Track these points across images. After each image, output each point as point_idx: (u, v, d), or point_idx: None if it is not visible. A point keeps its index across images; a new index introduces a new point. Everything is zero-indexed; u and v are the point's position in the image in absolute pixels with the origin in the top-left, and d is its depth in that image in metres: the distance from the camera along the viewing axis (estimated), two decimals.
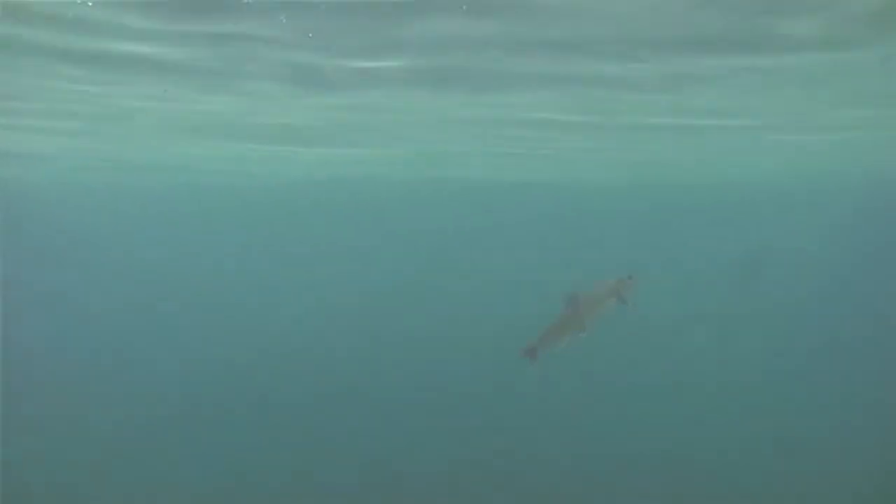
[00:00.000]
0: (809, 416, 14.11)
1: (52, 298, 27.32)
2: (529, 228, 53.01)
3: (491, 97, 18.02)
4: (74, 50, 12.73)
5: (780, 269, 33.19)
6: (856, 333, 19.81)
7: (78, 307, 25.65)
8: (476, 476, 12.28)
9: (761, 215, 58.95)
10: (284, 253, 43.64)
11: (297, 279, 32.87)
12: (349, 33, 11.73)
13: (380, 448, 13.35)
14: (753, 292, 26.79)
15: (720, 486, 11.78)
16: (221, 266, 38.49)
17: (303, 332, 21.95)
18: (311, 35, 11.64)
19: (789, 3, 10.23)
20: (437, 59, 13.67)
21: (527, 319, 8.75)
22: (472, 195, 57.64)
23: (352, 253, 42.09)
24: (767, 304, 25.00)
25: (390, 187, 50.64)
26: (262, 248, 46.15)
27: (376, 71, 14.60)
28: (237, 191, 53.60)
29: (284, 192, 55.55)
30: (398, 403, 15.50)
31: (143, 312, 25.35)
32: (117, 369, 18.32)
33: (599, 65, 14.37)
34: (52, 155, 28.30)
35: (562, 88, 16.86)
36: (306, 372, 17.74)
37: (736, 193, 53.53)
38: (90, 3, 9.99)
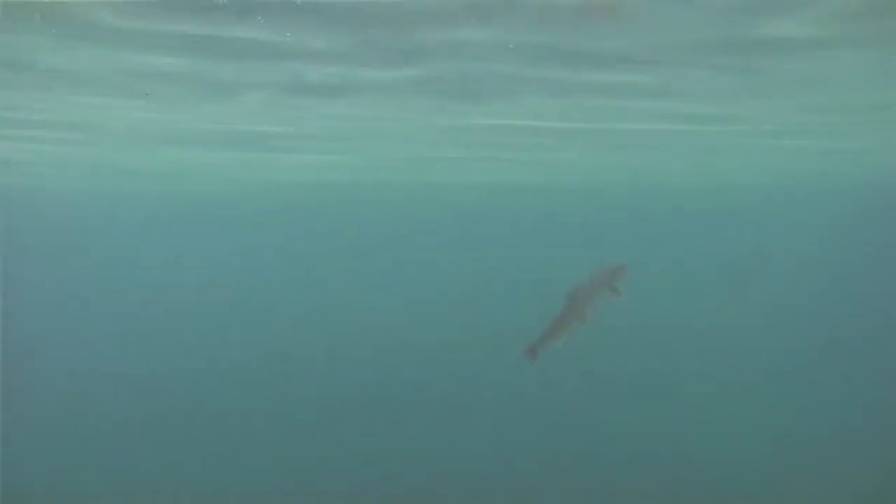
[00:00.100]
0: (809, 416, 14.11)
1: (51, 300, 27.38)
2: (529, 232, 53.03)
3: (485, 106, 18.18)
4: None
5: (778, 270, 33.19)
6: (856, 333, 19.82)
7: (75, 310, 25.71)
8: (477, 479, 12.28)
9: (760, 217, 59.02)
10: (280, 256, 43.73)
11: (292, 283, 32.86)
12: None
13: (378, 450, 13.36)
14: (753, 293, 26.80)
15: (720, 486, 11.76)
16: (218, 269, 38.58)
17: (298, 334, 21.96)
18: (288, 35, 11.57)
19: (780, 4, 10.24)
20: (439, 67, 13.71)
21: (525, 322, 8.76)
22: (467, 200, 57.94)
23: (347, 257, 42.07)
24: (767, 304, 25.00)
25: (383, 192, 50.87)
26: (258, 252, 46.34)
27: (375, 78, 14.64)
28: (228, 196, 53.84)
29: (274, 196, 55.85)
30: (396, 406, 15.49)
31: (138, 314, 25.43)
32: (114, 371, 18.34)
33: (602, 73, 14.46)
34: (43, 162, 28.45)
35: (564, 96, 17.00)
36: (302, 375, 17.74)
37: (734, 197, 53.66)
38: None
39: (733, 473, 12.11)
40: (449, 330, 21.88)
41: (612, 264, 8.31)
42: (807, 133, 22.31)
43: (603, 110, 18.97)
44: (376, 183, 44.39)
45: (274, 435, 13.98)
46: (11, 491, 11.15)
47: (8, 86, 15.36)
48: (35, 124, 20.42)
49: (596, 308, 7.97)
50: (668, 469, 12.23)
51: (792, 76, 14.71)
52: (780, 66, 13.89)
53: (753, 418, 14.23)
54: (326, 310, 25.69)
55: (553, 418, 14.69)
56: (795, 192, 48.98)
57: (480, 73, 14.74)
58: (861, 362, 17.56)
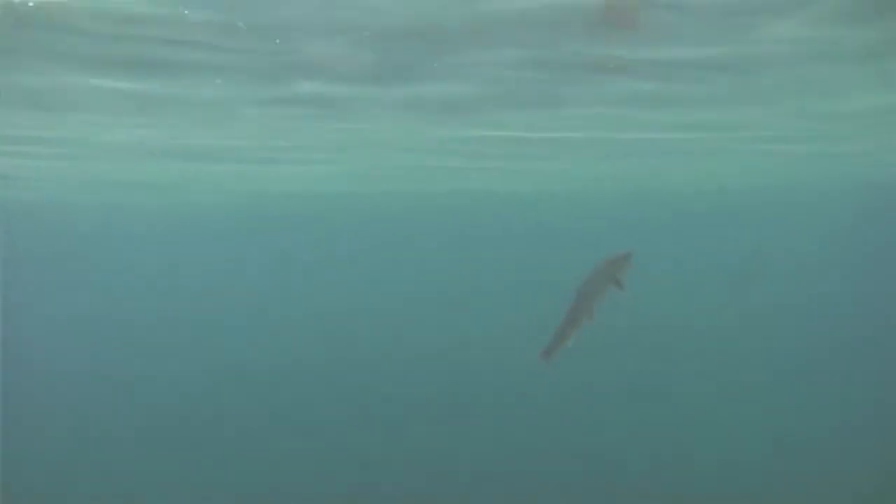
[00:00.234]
0: (809, 417, 14.12)
1: (49, 308, 27.58)
2: (533, 238, 53.18)
3: (484, 118, 18.26)
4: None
5: (777, 271, 33.28)
6: (855, 334, 19.84)
7: (74, 317, 25.85)
8: (477, 480, 12.29)
9: (758, 220, 59.31)
10: (276, 265, 43.99)
11: (288, 292, 32.94)
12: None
13: (377, 452, 13.37)
14: (752, 294, 26.84)
15: (720, 486, 11.77)
16: (213, 277, 38.85)
17: (295, 342, 21.97)
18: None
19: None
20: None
21: (525, 325, 8.78)
22: (462, 208, 58.23)
23: (345, 265, 42.19)
24: (767, 305, 25.03)
25: (379, 202, 51.08)
26: (253, 261, 46.77)
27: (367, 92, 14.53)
28: (224, 207, 54.20)
29: (269, 207, 56.26)
30: (396, 409, 15.52)
31: (135, 321, 25.60)
32: (112, 376, 18.39)
33: (603, 83, 14.49)
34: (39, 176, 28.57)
35: (563, 107, 17.06)
36: (299, 381, 17.78)
37: (733, 200, 53.90)
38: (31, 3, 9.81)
39: (733, 473, 12.12)
40: (449, 334, 21.93)
41: (617, 254, 8.03)
42: (804, 138, 22.37)
43: (602, 120, 19.11)
44: (373, 193, 44.59)
45: (272, 439, 14.00)
46: (11, 491, 11.17)
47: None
48: (28, 140, 20.72)
49: (602, 303, 7.84)
50: (669, 469, 12.24)
51: (790, 81, 14.70)
52: (779, 70, 13.88)
53: (753, 418, 14.24)
54: (325, 318, 25.75)
55: (553, 419, 14.71)
56: (792, 195, 49.14)
57: (483, 89, 14.93)
58: (862, 362, 17.58)
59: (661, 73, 13.41)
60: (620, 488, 11.77)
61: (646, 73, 13.39)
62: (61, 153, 22.83)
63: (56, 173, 27.51)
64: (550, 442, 13.52)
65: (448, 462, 12.77)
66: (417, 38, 10.70)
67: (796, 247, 43.30)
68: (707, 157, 26.47)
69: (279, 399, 16.17)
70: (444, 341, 21.23)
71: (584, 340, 8.09)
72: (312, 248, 51.11)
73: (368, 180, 34.27)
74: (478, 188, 40.69)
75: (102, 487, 11.87)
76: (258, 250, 52.86)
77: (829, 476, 11.73)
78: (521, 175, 32.19)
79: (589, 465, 12.46)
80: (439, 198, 47.07)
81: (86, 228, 54.48)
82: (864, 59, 12.77)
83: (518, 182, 36.61)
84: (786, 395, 15.30)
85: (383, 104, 16.30)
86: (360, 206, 56.29)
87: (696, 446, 12.91)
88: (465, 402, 15.74)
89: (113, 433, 14.20)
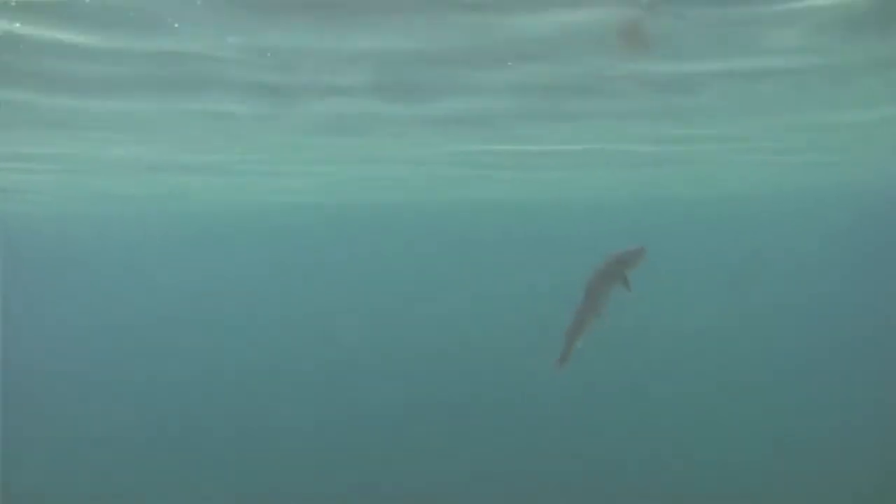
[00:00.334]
0: (809, 416, 14.12)
1: (49, 313, 27.62)
2: (533, 245, 53.30)
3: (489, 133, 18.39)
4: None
5: (776, 273, 33.32)
6: (855, 334, 19.85)
7: (73, 321, 25.89)
8: (476, 481, 12.29)
9: (759, 226, 59.46)
10: (272, 274, 44.11)
11: (285, 301, 32.95)
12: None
13: (376, 454, 13.37)
14: (752, 296, 26.85)
15: (720, 486, 11.76)
16: (209, 283, 38.98)
17: (292, 350, 21.98)
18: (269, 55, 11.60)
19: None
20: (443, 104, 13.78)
21: (523, 329, 8.77)
22: (459, 216, 58.42)
23: (345, 275, 42.22)
24: (767, 305, 25.04)
25: (378, 211, 51.32)
26: (248, 269, 46.95)
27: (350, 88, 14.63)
28: (221, 217, 54.47)
29: (266, 217, 56.47)
30: (395, 412, 15.52)
31: (133, 326, 25.66)
32: (111, 381, 18.40)
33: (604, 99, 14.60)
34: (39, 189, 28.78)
35: (569, 121, 17.22)
36: (297, 388, 17.79)
37: (731, 207, 54.09)
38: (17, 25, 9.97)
39: (733, 474, 12.11)
40: (449, 335, 21.91)
41: (628, 249, 7.61)
42: (799, 148, 22.52)
43: (607, 133, 19.32)
44: (372, 202, 44.80)
45: (271, 440, 14.00)
46: (11, 491, 11.17)
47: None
48: (25, 157, 20.96)
49: (611, 301, 7.69)
50: (669, 469, 12.24)
51: (792, 92, 14.74)
52: (782, 81, 13.92)
53: (753, 418, 14.24)
54: (324, 320, 25.76)
55: (553, 419, 14.70)
56: (791, 202, 49.33)
57: (490, 108, 15.15)
58: (862, 362, 17.58)
59: (665, 85, 13.50)
60: (620, 488, 11.76)
61: (651, 87, 13.48)
62: (57, 168, 23.08)
63: (54, 187, 27.79)
64: (550, 442, 13.52)
65: (448, 462, 12.76)
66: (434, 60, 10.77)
67: (795, 250, 43.37)
68: (708, 166, 26.67)
69: (278, 401, 16.18)
70: (445, 342, 21.24)
71: (585, 341, 8.09)
72: (312, 255, 51.27)
73: (371, 190, 34.58)
74: (485, 197, 41.03)
75: (102, 488, 11.87)
76: (257, 258, 53.07)
77: (829, 476, 11.72)
78: (529, 184, 32.46)
79: (589, 465, 12.46)
80: (449, 206, 47.39)
81: (83, 238, 54.75)
82: (870, 70, 12.81)
83: (527, 191, 36.97)
84: (786, 395, 15.30)
85: (402, 121, 16.49)
86: (361, 214, 56.63)
87: (696, 446, 12.91)
88: (465, 402, 15.73)
89: (113, 434, 14.21)
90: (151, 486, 11.99)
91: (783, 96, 14.95)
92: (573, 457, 12.82)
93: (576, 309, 7.84)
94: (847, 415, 14.14)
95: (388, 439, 13.93)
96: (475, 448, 13.37)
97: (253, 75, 12.49)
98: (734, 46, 11.33)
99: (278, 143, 20.12)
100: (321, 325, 24.42)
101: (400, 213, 54.42)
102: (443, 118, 16.35)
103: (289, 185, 31.29)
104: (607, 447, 13.14)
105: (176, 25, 9.64)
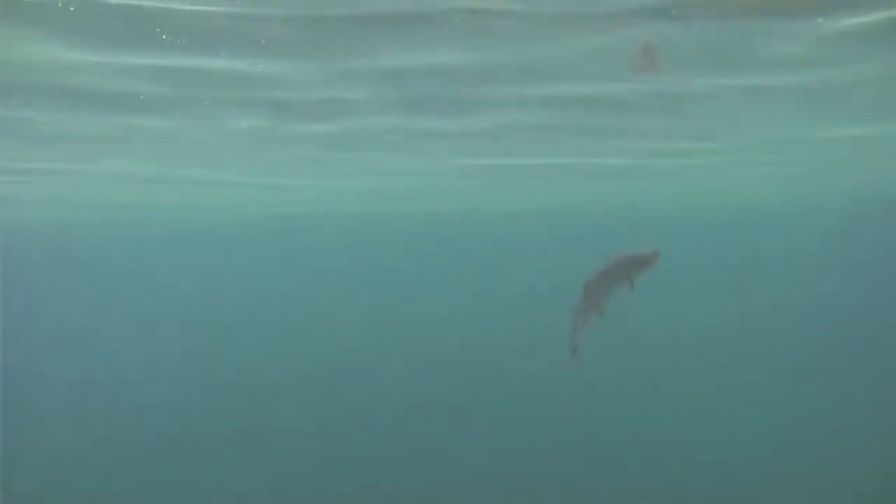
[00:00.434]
0: (809, 416, 14.12)
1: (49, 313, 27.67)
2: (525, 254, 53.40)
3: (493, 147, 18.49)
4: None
5: (776, 275, 33.40)
6: (855, 334, 19.85)
7: (72, 322, 25.89)
8: (475, 482, 12.29)
9: (760, 229, 59.69)
10: (267, 281, 44.21)
11: (280, 307, 32.99)
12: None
13: (376, 455, 13.37)
14: (751, 297, 26.87)
15: (720, 486, 11.76)
16: (205, 286, 39.08)
17: (290, 353, 22.02)
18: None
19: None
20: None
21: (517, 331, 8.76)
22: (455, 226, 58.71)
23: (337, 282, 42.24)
24: (766, 306, 25.04)
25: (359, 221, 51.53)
26: (243, 274, 47.14)
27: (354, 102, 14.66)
28: (220, 225, 54.67)
29: (261, 225, 56.66)
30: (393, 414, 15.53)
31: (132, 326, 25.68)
32: (111, 382, 18.41)
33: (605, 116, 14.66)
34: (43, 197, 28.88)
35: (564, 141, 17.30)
36: (294, 389, 17.81)
37: (727, 214, 54.28)
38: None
39: (733, 474, 12.12)
40: (449, 336, 21.91)
41: (641, 251, 7.53)
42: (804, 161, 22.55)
43: (603, 148, 19.48)
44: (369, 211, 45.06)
45: (271, 440, 14.01)
46: (11, 491, 11.17)
47: None
48: (23, 171, 21.08)
49: (613, 299, 7.63)
50: (669, 469, 12.24)
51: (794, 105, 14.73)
52: (783, 94, 13.89)
53: (753, 418, 14.24)
54: (324, 321, 25.76)
55: (553, 419, 14.70)
56: (790, 209, 49.54)
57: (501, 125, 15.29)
58: (862, 362, 17.58)
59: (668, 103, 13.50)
60: (620, 488, 11.76)
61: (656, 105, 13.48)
62: (61, 180, 23.19)
63: (54, 196, 27.90)
64: (550, 442, 13.52)
65: (448, 462, 12.77)
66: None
67: (795, 252, 43.47)
68: (707, 176, 26.78)
69: (277, 402, 16.19)
70: (446, 343, 21.25)
71: (585, 341, 8.08)
72: (315, 261, 51.39)
73: (376, 201, 34.77)
74: (485, 207, 41.27)
75: (102, 488, 11.88)
76: (258, 265, 53.17)
77: (829, 476, 11.73)
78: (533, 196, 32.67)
79: (589, 465, 12.46)
80: (452, 216, 47.63)
81: (82, 242, 54.95)
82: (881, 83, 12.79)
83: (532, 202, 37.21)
84: (786, 395, 15.31)
85: (409, 134, 16.60)
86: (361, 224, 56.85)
87: (696, 446, 12.92)
88: (465, 403, 15.74)
89: (113, 434, 14.22)
90: (151, 487, 12.00)
91: (787, 109, 14.96)
92: (573, 457, 12.82)
93: (577, 303, 7.84)
94: (847, 415, 14.14)
95: (388, 439, 13.93)
96: (475, 448, 13.37)
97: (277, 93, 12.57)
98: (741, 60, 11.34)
99: (300, 158, 20.25)
100: (327, 328, 24.45)
101: (410, 223, 54.74)
102: (461, 132, 16.49)
103: (296, 197, 31.47)
104: (607, 447, 13.14)
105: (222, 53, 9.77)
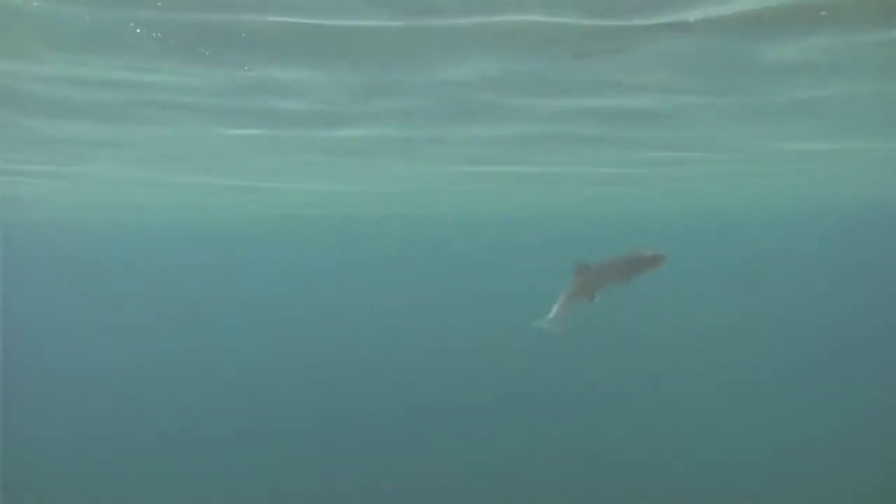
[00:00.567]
0: (809, 416, 14.12)
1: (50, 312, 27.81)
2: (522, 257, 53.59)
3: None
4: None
5: (777, 275, 33.47)
6: (855, 334, 19.88)
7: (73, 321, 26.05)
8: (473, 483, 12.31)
9: (761, 230, 59.91)
10: (265, 282, 44.38)
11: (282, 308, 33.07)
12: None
13: (376, 455, 13.40)
14: (752, 297, 26.91)
15: (720, 486, 11.77)
16: (206, 286, 39.28)
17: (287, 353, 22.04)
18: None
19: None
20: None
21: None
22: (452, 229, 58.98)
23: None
24: (766, 307, 25.09)
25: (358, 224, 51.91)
26: (241, 274, 47.37)
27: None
28: (212, 226, 54.96)
29: (258, 228, 57.02)
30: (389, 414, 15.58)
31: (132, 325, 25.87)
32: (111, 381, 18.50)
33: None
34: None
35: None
36: (294, 381, 17.87)
37: (725, 217, 54.59)
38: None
39: (733, 474, 12.12)
40: (449, 337, 21.97)
41: (647, 251, 7.46)
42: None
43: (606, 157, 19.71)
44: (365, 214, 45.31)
45: (271, 440, 14.04)
46: (11, 491, 11.21)
47: None
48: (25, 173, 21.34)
49: (606, 293, 7.55)
50: (669, 469, 12.25)
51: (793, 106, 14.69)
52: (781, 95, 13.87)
53: (753, 418, 14.25)
54: (323, 321, 25.85)
55: (553, 419, 14.72)
56: (789, 209, 49.76)
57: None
58: (862, 362, 17.60)
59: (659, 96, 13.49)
60: (620, 488, 11.77)
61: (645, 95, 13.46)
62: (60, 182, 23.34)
63: (53, 197, 28.04)
64: (550, 442, 13.54)
65: (448, 462, 12.78)
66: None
67: (795, 254, 43.58)
68: (705, 181, 26.88)
69: (277, 403, 16.22)
70: (445, 344, 21.29)
71: (585, 340, 8.12)
72: (309, 263, 51.56)
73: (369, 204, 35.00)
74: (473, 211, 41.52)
75: (103, 488, 11.90)
76: (256, 264, 53.34)
77: (829, 476, 11.72)
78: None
79: (589, 465, 12.47)
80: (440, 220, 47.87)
81: (83, 242, 55.11)
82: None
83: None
84: (786, 395, 15.31)
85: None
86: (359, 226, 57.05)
87: (696, 446, 12.92)
88: (465, 403, 15.75)
89: (113, 434, 14.25)
90: (152, 486, 12.03)
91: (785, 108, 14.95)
92: (573, 457, 12.83)
93: (569, 287, 7.76)
94: (847, 415, 14.13)
95: (388, 439, 13.95)
96: (475, 448, 13.39)
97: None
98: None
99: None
100: (324, 330, 24.46)
101: (410, 226, 54.95)
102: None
103: (305, 199, 31.58)
104: (607, 447, 13.14)
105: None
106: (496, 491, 11.86)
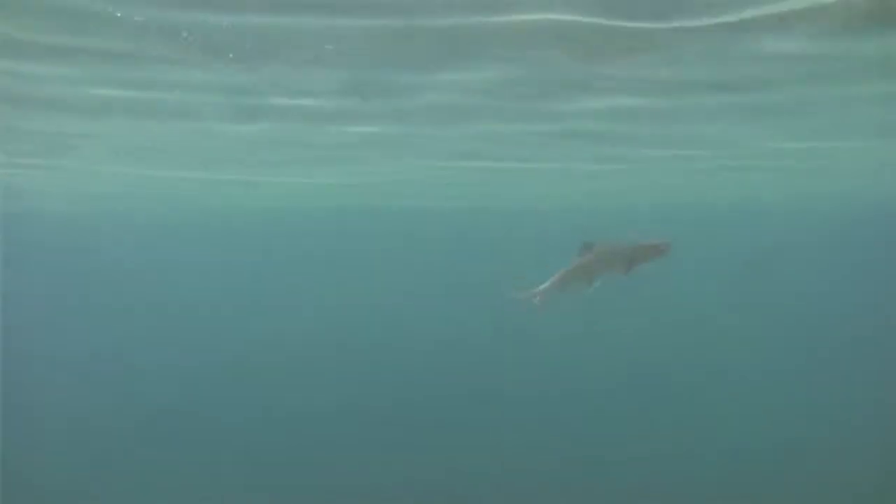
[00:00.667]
0: (809, 416, 14.12)
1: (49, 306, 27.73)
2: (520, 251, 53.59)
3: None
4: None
5: (777, 274, 33.48)
6: (856, 334, 19.89)
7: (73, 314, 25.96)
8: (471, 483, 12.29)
9: (761, 230, 60.04)
10: (264, 274, 44.35)
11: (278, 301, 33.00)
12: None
13: (376, 455, 13.38)
14: (752, 296, 26.93)
15: (720, 486, 11.77)
16: (203, 280, 39.25)
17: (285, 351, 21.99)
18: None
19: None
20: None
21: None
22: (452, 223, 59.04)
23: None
24: (767, 305, 25.09)
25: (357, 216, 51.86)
26: (241, 266, 47.38)
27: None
28: (215, 217, 54.92)
29: (258, 219, 57.01)
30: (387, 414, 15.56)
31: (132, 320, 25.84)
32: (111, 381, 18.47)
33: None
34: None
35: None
36: (294, 381, 17.84)
37: (731, 212, 54.68)
38: None
39: (733, 473, 12.11)
40: (448, 336, 21.95)
41: (650, 239, 7.33)
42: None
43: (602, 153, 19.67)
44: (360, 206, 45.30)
45: (271, 439, 14.01)
46: (11, 491, 11.15)
47: None
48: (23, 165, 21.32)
49: (605, 285, 7.44)
50: (669, 469, 12.23)
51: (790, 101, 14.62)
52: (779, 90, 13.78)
53: (753, 418, 14.24)
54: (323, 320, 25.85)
55: (553, 419, 14.72)
56: (789, 208, 49.83)
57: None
58: (862, 362, 17.61)
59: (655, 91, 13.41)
60: (620, 488, 11.75)
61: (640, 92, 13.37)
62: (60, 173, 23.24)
63: (53, 188, 27.92)
64: (550, 442, 13.53)
65: (448, 462, 12.76)
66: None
67: (795, 253, 43.63)
68: (702, 174, 26.80)
69: (277, 400, 16.16)
70: (444, 343, 21.25)
71: (585, 340, 8.07)
72: (309, 255, 51.52)
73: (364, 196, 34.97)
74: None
75: (103, 487, 11.86)
76: (253, 256, 53.29)
77: (829, 476, 11.72)
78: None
79: (589, 465, 12.45)
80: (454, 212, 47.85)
81: (83, 233, 55.01)
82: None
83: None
84: (786, 395, 15.30)
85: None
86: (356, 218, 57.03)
87: (696, 446, 12.90)
88: (465, 402, 15.73)
89: (113, 433, 14.20)
90: (152, 485, 11.99)
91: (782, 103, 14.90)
92: (573, 457, 12.81)
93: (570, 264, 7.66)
94: (847, 415, 14.14)
95: (388, 439, 13.93)
96: (475, 448, 13.36)
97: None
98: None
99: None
100: (323, 323, 24.43)
101: (420, 218, 54.97)
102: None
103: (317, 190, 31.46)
104: (607, 447, 13.13)
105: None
106: (496, 490, 11.85)
